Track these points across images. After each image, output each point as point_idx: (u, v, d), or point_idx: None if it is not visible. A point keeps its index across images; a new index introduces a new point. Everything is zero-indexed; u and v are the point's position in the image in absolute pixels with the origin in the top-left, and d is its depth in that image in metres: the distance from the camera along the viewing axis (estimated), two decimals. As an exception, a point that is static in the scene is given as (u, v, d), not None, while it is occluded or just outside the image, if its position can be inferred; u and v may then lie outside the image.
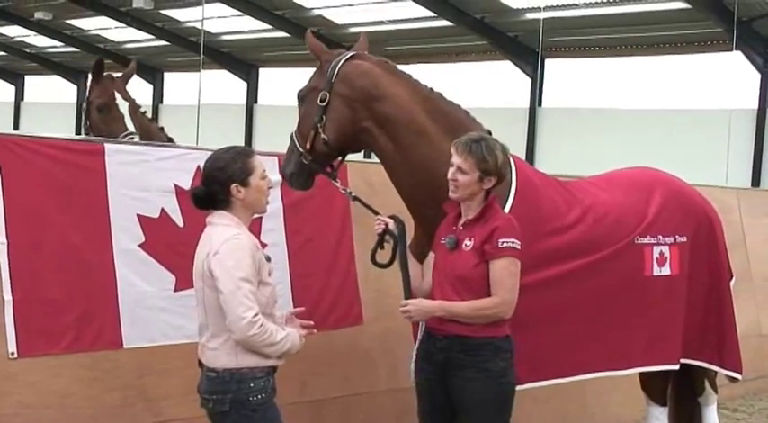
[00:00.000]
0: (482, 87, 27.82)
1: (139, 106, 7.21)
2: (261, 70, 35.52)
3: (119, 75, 7.18)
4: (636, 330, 5.20)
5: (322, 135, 4.72)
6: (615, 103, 26.02)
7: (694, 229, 5.43)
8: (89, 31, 35.67)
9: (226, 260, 3.84)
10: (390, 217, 4.63)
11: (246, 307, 3.79)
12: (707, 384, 5.78)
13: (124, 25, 32.80)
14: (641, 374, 5.61)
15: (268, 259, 4.10)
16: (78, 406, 4.79)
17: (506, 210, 4.58)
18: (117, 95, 6.91)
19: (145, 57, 35.71)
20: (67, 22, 34.85)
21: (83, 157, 4.95)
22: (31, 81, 45.98)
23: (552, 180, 5.23)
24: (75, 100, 38.53)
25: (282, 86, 30.23)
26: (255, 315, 3.80)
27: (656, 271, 5.22)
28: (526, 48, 26.58)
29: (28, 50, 40.94)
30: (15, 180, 4.68)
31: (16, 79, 46.34)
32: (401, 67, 4.93)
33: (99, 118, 6.90)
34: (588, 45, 26.72)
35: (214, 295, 3.88)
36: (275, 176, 5.00)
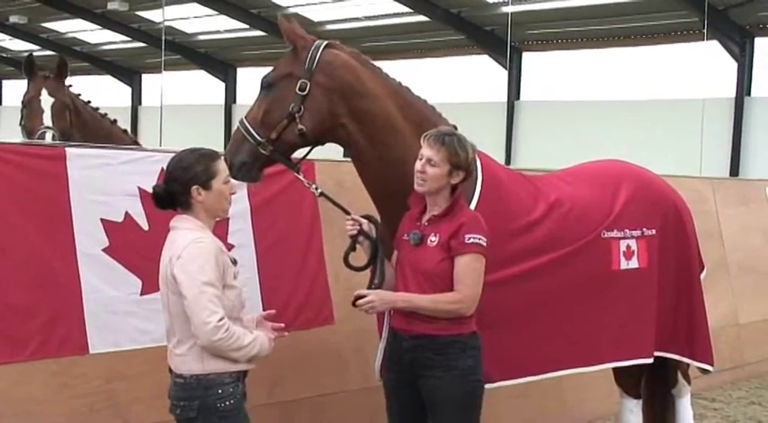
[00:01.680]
0: (460, 82, 27.88)
1: (97, 108, 7.19)
2: (239, 70, 35.37)
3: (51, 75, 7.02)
4: (605, 325, 5.17)
5: (299, 125, 4.51)
6: (593, 95, 26.13)
7: (662, 221, 5.40)
8: (65, 33, 35.45)
9: (188, 264, 3.78)
10: (364, 217, 4.51)
11: (210, 311, 3.73)
12: (680, 376, 5.77)
13: (100, 27, 32.62)
14: (614, 367, 5.58)
15: (234, 262, 4.03)
16: (46, 413, 4.72)
17: (472, 207, 4.52)
18: (44, 92, 6.76)
19: (122, 58, 35.49)
20: (43, 25, 34.60)
21: (44, 162, 4.87)
22: (8, 85, 45.66)
23: (518, 175, 5.19)
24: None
25: (261, 85, 30.06)
26: (221, 319, 3.74)
27: (624, 265, 5.19)
28: (503, 41, 26.57)
29: (4, 54, 40.65)
30: (-23, 186, 4.61)
31: (-7, 83, 46.11)
32: (377, 63, 4.81)
33: (24, 115, 6.86)
34: (564, 37, 26.80)
35: (179, 301, 3.82)
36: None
